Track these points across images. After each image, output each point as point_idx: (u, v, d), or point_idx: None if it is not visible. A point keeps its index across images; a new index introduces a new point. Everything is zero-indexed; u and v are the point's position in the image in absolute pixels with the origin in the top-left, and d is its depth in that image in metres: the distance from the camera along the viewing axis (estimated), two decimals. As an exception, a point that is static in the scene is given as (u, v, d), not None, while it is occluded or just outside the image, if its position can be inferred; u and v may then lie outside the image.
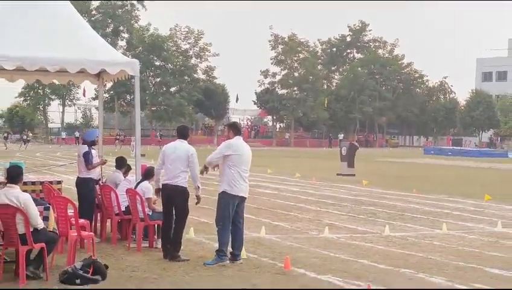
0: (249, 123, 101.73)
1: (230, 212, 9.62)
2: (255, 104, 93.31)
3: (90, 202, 11.50)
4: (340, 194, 21.37)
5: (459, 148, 76.00)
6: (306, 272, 9.41)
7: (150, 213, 10.80)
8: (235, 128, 10.01)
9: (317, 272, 9.38)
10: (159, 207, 10.81)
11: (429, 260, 10.61)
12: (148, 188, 10.92)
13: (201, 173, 9.94)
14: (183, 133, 10.41)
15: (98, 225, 12.14)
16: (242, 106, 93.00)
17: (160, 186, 10.22)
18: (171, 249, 9.95)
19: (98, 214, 12.09)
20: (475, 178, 32.04)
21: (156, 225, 10.83)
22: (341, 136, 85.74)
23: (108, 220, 11.85)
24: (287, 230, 13.49)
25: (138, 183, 11.07)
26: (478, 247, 11.97)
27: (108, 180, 12.10)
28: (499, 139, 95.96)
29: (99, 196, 11.79)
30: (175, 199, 10.02)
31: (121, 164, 12.23)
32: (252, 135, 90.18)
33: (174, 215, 10.13)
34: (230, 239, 9.76)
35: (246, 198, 9.87)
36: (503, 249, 11.77)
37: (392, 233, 13.25)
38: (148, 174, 11.15)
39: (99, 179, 12.18)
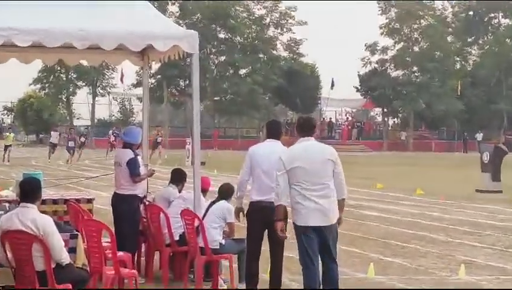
0: (349, 118, 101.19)
1: (306, 249, 9.49)
2: (357, 91, 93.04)
3: (133, 228, 11.63)
4: (481, 219, 21.04)
5: None
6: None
7: (223, 242, 10.90)
8: (299, 127, 9.87)
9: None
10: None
11: None
12: (230, 210, 11.04)
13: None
14: (276, 131, 10.58)
15: (143, 259, 12.32)
16: (339, 95, 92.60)
17: (241, 205, 10.46)
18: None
19: (143, 244, 12.27)
20: None
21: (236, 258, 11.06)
22: (479, 135, 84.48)
23: (157, 253, 12.00)
24: (406, 269, 13.37)
25: (213, 203, 11.16)
26: None
27: (158, 197, 12.24)
28: None
29: (145, 220, 11.96)
30: (271, 221, 9.94)
31: (178, 178, 12.31)
32: (353, 134, 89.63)
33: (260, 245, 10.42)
34: (317, 282, 9.63)
35: (325, 226, 9.42)
36: None
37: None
38: (227, 191, 11.28)
39: (145, 197, 12.27)
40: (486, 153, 30.59)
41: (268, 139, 10.48)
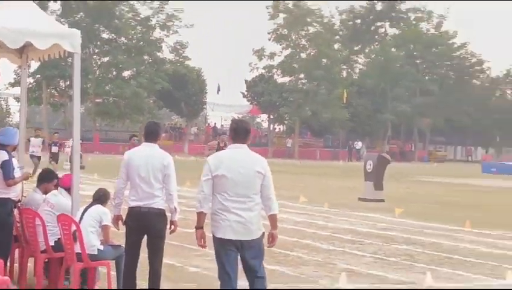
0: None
1: (224, 264, 9.14)
2: (244, 97, 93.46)
3: (5, 233, 11.38)
4: (363, 228, 21.37)
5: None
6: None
7: (102, 248, 10.78)
8: (232, 131, 9.63)
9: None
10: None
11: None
12: (106, 214, 10.89)
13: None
14: (153, 134, 10.43)
15: (16, 265, 12.09)
16: (225, 100, 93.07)
17: (119, 213, 10.31)
18: None
19: (16, 250, 12.03)
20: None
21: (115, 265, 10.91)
22: (358, 144, 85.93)
23: (31, 259, 11.79)
24: (288, 277, 13.50)
25: (88, 208, 11.02)
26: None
27: (25, 203, 11.99)
28: None
29: (19, 225, 11.73)
30: (150, 227, 10.09)
31: (46, 179, 12.12)
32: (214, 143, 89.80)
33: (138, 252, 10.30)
34: None
35: (247, 241, 9.15)
36: None
37: (436, 283, 13.30)
38: (103, 196, 11.16)
39: (19, 201, 12.04)
40: (369, 162, 31.01)
41: (145, 143, 10.38)
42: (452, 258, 16.48)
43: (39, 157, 36.24)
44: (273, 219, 9.27)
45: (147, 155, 10.18)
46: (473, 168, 73.84)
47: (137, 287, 10.34)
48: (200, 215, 9.04)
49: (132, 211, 10.16)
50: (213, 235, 9.03)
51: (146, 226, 10.12)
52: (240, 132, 9.38)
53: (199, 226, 9.08)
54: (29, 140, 34.21)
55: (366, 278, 13.72)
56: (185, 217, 18.28)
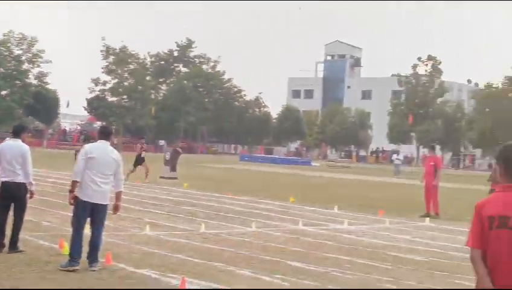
0: (78, 128, 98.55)
1: (80, 217, 9.00)
2: (85, 110, 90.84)
3: None
4: (163, 196, 21.27)
5: (270, 156, 79.23)
6: (126, 266, 9.29)
7: None
8: (99, 133, 9.69)
9: (136, 266, 9.29)
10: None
11: (239, 254, 10.88)
12: None
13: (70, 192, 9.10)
14: (17, 131, 10.11)
15: None
16: (73, 112, 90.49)
17: None
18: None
19: None
20: (282, 182, 33.33)
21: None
22: (162, 142, 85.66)
23: None
24: (110, 228, 13.13)
25: None
26: (282, 243, 12.44)
27: None
28: (304, 149, 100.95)
29: None
30: (15, 195, 9.86)
31: None
32: (80, 139, 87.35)
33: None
34: (81, 243, 8.98)
35: (102, 205, 9.03)
36: (303, 245, 12.33)
37: (208, 230, 13.43)
38: None
39: None
40: (168, 153, 31.41)
41: (12, 138, 10.08)
42: (219, 214, 16.71)
43: None
44: (119, 194, 9.29)
45: (12, 146, 9.95)
46: (235, 158, 75.40)
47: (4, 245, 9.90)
48: (75, 183, 8.92)
49: (3, 184, 9.87)
50: (78, 197, 8.91)
51: (12, 194, 9.85)
52: (103, 133, 9.46)
53: (72, 191, 8.96)
54: None
55: (163, 228, 13.68)
56: (42, 189, 17.57)
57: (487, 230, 4.19)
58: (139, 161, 28.16)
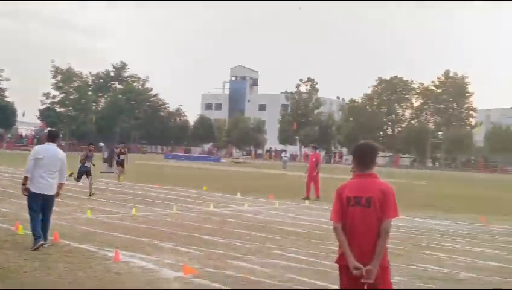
0: (32, 133, 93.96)
1: (33, 207, 8.56)
2: (38, 118, 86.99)
3: None
4: (103, 187, 20.63)
5: (188, 154, 78.88)
6: (70, 242, 8.97)
7: None
8: (47, 136, 9.11)
9: (79, 243, 8.99)
10: None
11: (162, 231, 10.75)
12: None
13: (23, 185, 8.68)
14: None
15: None
16: (28, 120, 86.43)
17: None
18: None
19: None
20: (197, 175, 33.17)
21: None
22: (101, 144, 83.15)
23: None
24: (58, 213, 12.63)
25: None
26: (196, 221, 12.40)
27: None
28: (215, 149, 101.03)
29: None
30: None
31: None
32: (34, 142, 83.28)
33: None
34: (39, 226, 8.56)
35: (50, 195, 8.68)
36: (213, 223, 12.36)
37: (138, 213, 13.20)
38: None
39: None
40: (105, 153, 30.72)
41: None
42: (147, 200, 16.41)
43: None
44: (61, 185, 8.92)
45: None
46: (161, 157, 74.34)
47: None
48: (26, 179, 8.59)
49: None
50: (30, 190, 8.54)
51: None
52: (50, 136, 9.00)
53: (24, 184, 8.61)
54: None
55: (102, 212, 13.26)
56: (0, 182, 16.62)
57: (346, 207, 4.36)
58: (119, 163, 25.92)
